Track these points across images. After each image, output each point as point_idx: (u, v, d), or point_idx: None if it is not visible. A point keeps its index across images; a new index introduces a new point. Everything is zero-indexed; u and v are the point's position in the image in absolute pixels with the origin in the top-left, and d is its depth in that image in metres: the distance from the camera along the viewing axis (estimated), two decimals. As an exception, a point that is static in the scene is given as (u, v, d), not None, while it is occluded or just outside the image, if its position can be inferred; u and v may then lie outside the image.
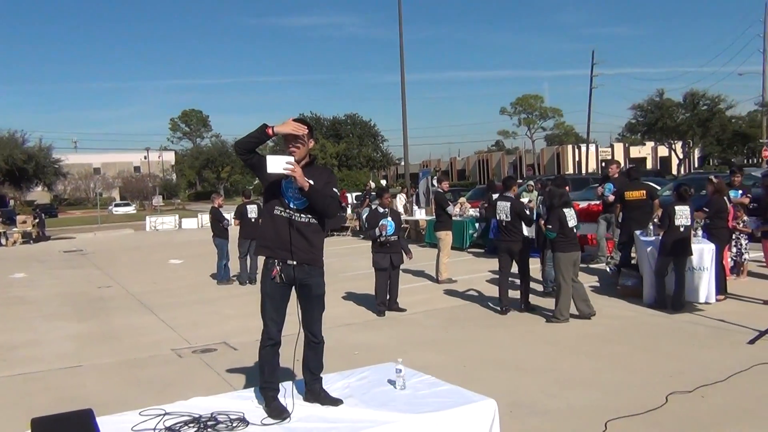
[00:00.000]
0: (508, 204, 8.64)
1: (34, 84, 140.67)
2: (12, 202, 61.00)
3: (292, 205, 4.02)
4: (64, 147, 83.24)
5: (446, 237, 11.26)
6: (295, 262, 4.01)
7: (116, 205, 62.24)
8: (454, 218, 12.75)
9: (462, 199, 18.24)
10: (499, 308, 8.68)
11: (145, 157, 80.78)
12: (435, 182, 17.76)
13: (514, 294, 8.79)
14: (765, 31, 40.90)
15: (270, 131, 3.92)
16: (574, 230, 7.97)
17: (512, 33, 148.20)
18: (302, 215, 4.03)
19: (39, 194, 62.62)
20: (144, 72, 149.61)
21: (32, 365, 7.07)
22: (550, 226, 7.95)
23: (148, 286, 12.68)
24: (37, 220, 29.07)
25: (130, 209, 60.83)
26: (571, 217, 7.93)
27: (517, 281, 8.75)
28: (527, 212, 8.98)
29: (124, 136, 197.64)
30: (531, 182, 13.59)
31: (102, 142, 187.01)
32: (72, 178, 64.06)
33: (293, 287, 4.11)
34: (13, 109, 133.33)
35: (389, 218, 8.90)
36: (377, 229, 8.77)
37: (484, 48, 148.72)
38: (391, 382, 4.27)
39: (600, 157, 64.38)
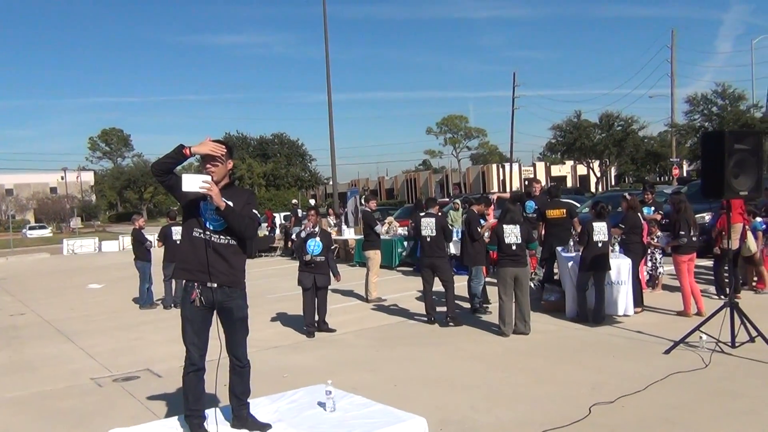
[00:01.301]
0: (433, 220, 9.00)
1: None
2: None
3: (209, 226, 3.97)
4: (-28, 167, 79.02)
5: (375, 256, 11.31)
6: (214, 285, 3.95)
7: (30, 228, 59.34)
8: (382, 237, 12.83)
9: (390, 219, 18.37)
10: (426, 320, 9.03)
11: (62, 178, 77.39)
12: (363, 201, 17.81)
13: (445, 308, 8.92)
14: (672, 57, 43.44)
15: (187, 152, 3.88)
16: (513, 247, 8.05)
17: (437, 54, 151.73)
18: (220, 236, 3.98)
19: (-56, 217, 58.98)
20: (60, 89, 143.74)
21: (-64, 401, 6.61)
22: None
23: (65, 313, 12.11)
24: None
25: (46, 232, 58.19)
26: (510, 233, 8.07)
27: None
28: (450, 227, 9.35)
29: (39, 156, 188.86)
30: (457, 201, 13.86)
31: (15, 161, 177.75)
32: (-19, 200, 60.71)
33: (215, 310, 4.04)
34: None
35: (317, 238, 8.83)
36: (301, 230, 8.72)
37: (409, 69, 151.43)
38: (321, 405, 4.24)
39: (523, 176, 66.39)
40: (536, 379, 6.28)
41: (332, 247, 9.35)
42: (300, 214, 20.56)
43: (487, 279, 10.01)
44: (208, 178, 3.84)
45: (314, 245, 8.70)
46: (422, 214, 9.31)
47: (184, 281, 4.08)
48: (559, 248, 9.56)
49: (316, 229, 8.98)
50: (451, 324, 8.74)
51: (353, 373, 6.71)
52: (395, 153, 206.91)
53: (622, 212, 9.67)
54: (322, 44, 28.41)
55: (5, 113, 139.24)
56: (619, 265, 8.68)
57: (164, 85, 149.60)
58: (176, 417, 4.21)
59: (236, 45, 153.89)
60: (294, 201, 29.23)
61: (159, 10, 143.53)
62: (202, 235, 3.96)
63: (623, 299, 8.63)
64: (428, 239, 8.96)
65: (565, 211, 10.28)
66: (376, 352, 7.73)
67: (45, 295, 15.17)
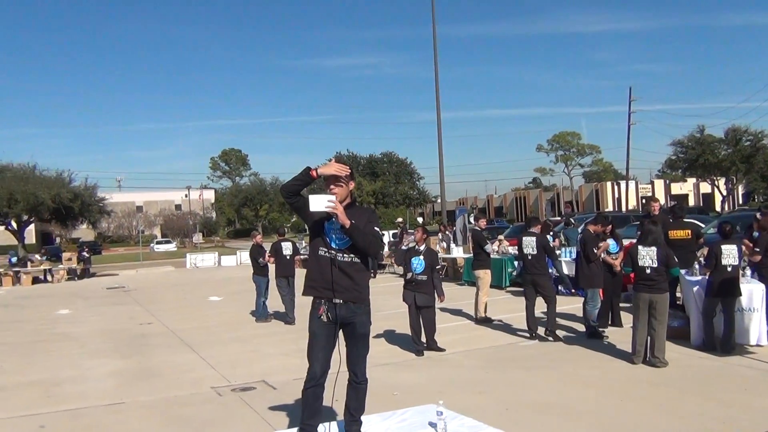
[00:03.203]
0: (534, 239, 9.44)
1: (80, 126, 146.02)
2: (58, 240, 62.75)
3: (333, 245, 4.08)
4: (108, 186, 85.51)
5: (485, 275, 11.14)
6: (339, 301, 4.05)
7: (157, 243, 63.47)
8: (492, 256, 12.65)
9: (500, 237, 18.10)
10: (528, 335, 9.30)
11: (185, 196, 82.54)
12: (472, 220, 17.72)
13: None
14: (809, 66, 40.19)
15: (314, 173, 4.01)
16: (647, 270, 7.50)
17: (548, 71, 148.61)
18: (344, 254, 4.08)
19: (84, 232, 64.25)
20: (185, 113, 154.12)
21: (77, 401, 7.17)
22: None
23: (188, 323, 12.81)
24: (85, 255, 29.76)
25: (171, 247, 61.97)
26: (645, 256, 7.55)
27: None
28: (551, 245, 9.97)
29: (166, 175, 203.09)
30: (572, 220, 13.45)
31: (145, 180, 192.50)
32: (116, 216, 65.68)
33: (339, 327, 4.14)
34: (61, 150, 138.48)
35: (421, 256, 8.72)
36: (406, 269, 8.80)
37: (520, 86, 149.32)
38: (432, 425, 4.21)
39: (640, 194, 63.49)
40: (659, 410, 5.92)
41: (437, 267, 9.28)
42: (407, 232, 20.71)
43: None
44: (333, 197, 3.96)
45: (417, 263, 8.67)
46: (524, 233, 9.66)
47: (312, 298, 4.22)
48: (682, 271, 9.01)
49: (422, 247, 8.92)
50: (550, 338, 9.05)
51: (462, 394, 6.61)
52: (504, 171, 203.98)
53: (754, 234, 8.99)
54: (432, 64, 28.64)
55: (138, 136, 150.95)
56: (752, 291, 8.05)
57: (280, 107, 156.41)
58: (292, 429, 4.32)
59: (347, 67, 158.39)
60: (399, 219, 29.40)
61: (275, 36, 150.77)
62: (326, 253, 4.09)
63: (756, 328, 7.98)
64: (529, 257, 9.42)
65: (689, 231, 9.70)
66: (486, 374, 7.59)
67: (170, 306, 16.13)
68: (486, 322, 10.78)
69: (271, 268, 12.43)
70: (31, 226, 49.72)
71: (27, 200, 36.68)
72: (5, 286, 25.95)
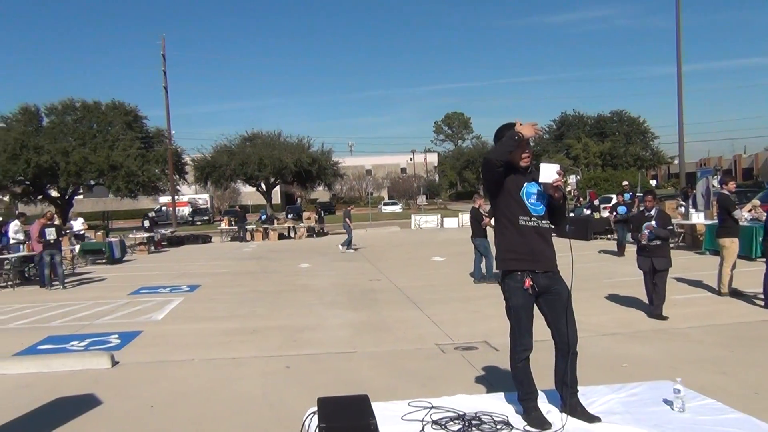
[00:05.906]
0: None
1: (317, 96, 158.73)
2: (299, 200, 69.27)
3: (534, 213, 3.90)
4: (341, 150, 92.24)
5: (731, 245, 10.01)
6: (542, 271, 3.88)
7: (385, 204, 67.08)
8: (741, 224, 11.31)
9: (755, 202, 16.13)
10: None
11: (410, 159, 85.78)
12: (716, 183, 16.05)
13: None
14: None
15: (521, 135, 3.77)
16: None
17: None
18: (544, 222, 3.92)
19: (320, 193, 70.16)
20: (410, 79, 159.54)
21: (315, 347, 7.90)
22: None
23: (413, 281, 13.37)
24: (317, 216, 32.60)
25: (397, 208, 65.12)
26: None
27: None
28: None
29: (393, 140, 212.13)
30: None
31: (373, 145, 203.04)
32: (347, 178, 70.65)
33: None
34: (301, 119, 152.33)
35: (654, 222, 8.42)
36: (639, 235, 8.38)
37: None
38: (668, 403, 3.91)
39: None
40: None
41: (669, 227, 8.87)
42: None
43: None
44: (558, 167, 3.77)
45: (647, 233, 8.51)
46: None
47: (507, 270, 3.99)
48: None
49: (653, 212, 8.69)
50: None
51: (700, 373, 6.05)
52: (755, 128, 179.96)
53: None
54: (671, 11, 26.03)
55: (368, 102, 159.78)
56: None
57: (502, 68, 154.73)
58: (514, 392, 4.30)
59: (573, 22, 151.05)
60: (626, 183, 27.40)
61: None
62: (529, 222, 3.91)
63: None
64: None
65: None
66: (730, 353, 6.85)
67: (396, 264, 16.97)
68: (731, 295, 9.73)
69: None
70: (277, 188, 55.60)
71: (273, 164, 41.07)
72: (256, 240, 29.36)
